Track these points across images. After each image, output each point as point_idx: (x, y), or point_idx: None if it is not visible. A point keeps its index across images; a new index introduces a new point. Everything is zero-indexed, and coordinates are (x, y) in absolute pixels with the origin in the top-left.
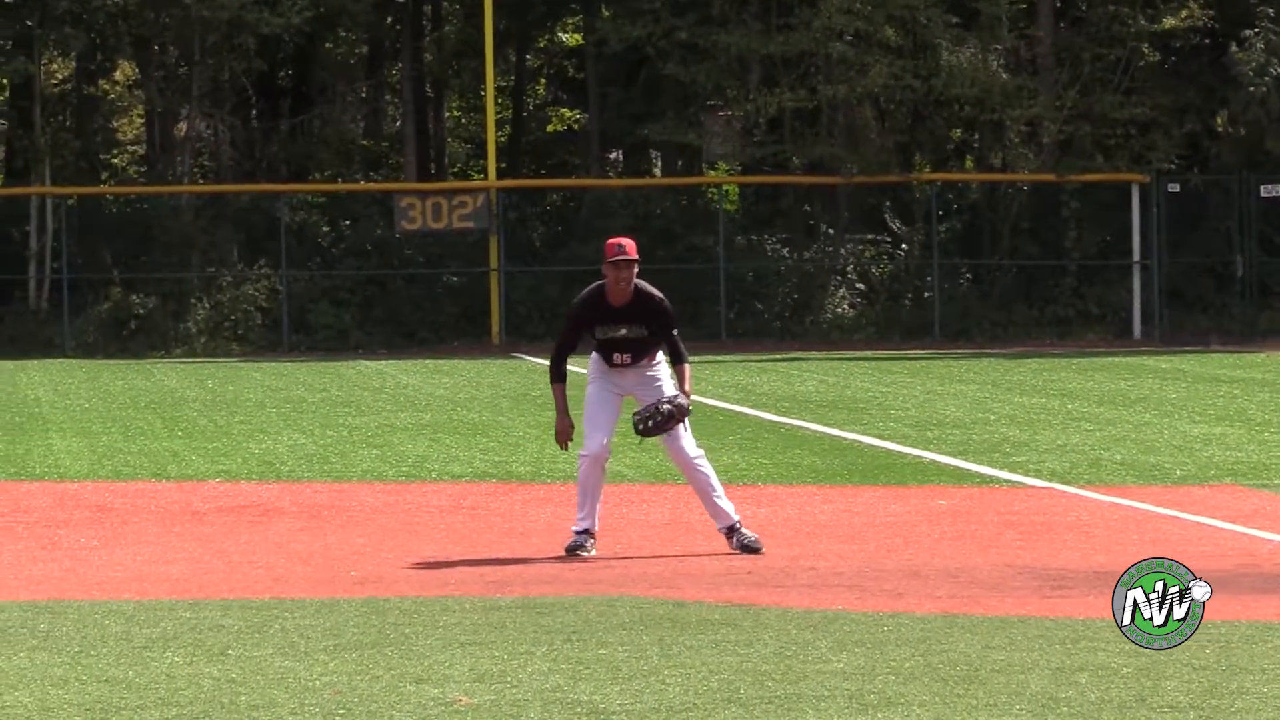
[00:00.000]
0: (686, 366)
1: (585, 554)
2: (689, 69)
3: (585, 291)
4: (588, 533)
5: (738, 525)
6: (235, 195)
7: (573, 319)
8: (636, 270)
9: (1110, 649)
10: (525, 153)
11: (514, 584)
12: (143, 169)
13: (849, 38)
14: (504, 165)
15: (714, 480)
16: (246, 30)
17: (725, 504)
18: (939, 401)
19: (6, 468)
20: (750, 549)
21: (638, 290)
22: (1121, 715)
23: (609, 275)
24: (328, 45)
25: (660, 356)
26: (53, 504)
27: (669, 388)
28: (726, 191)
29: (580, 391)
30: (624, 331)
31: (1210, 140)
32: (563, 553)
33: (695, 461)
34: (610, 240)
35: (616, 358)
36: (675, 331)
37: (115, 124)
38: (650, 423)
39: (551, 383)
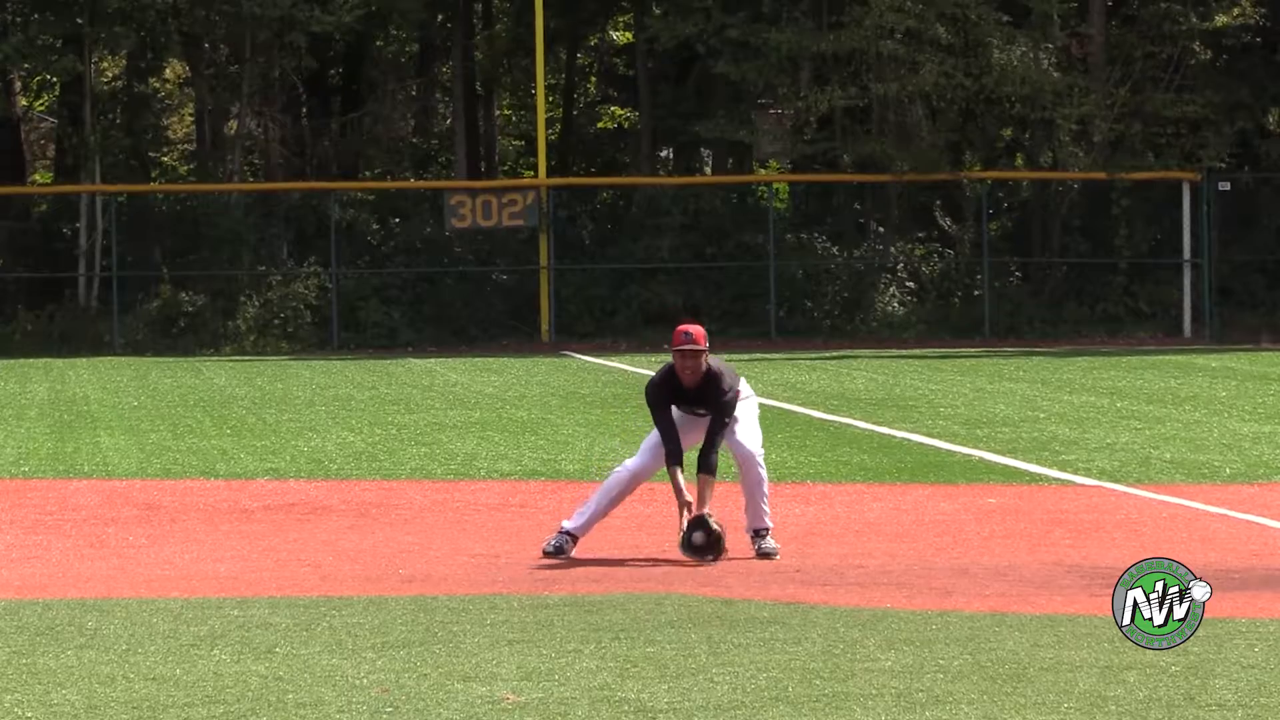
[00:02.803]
0: (712, 480)
1: (568, 552)
2: (740, 67)
3: (658, 375)
4: (573, 537)
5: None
6: (285, 193)
7: (655, 403)
8: (705, 356)
9: None
10: (575, 150)
11: (562, 582)
12: (192, 167)
13: (900, 36)
14: (554, 163)
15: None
16: (297, 28)
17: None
18: (988, 399)
19: (55, 465)
20: (768, 556)
21: (708, 372)
22: (1170, 713)
23: (677, 363)
24: (378, 43)
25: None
26: (101, 502)
27: (741, 419)
28: (777, 189)
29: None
30: (701, 411)
31: (1261, 138)
32: (609, 550)
33: (758, 458)
34: (679, 328)
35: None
36: (726, 421)
37: (165, 122)
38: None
39: (667, 465)
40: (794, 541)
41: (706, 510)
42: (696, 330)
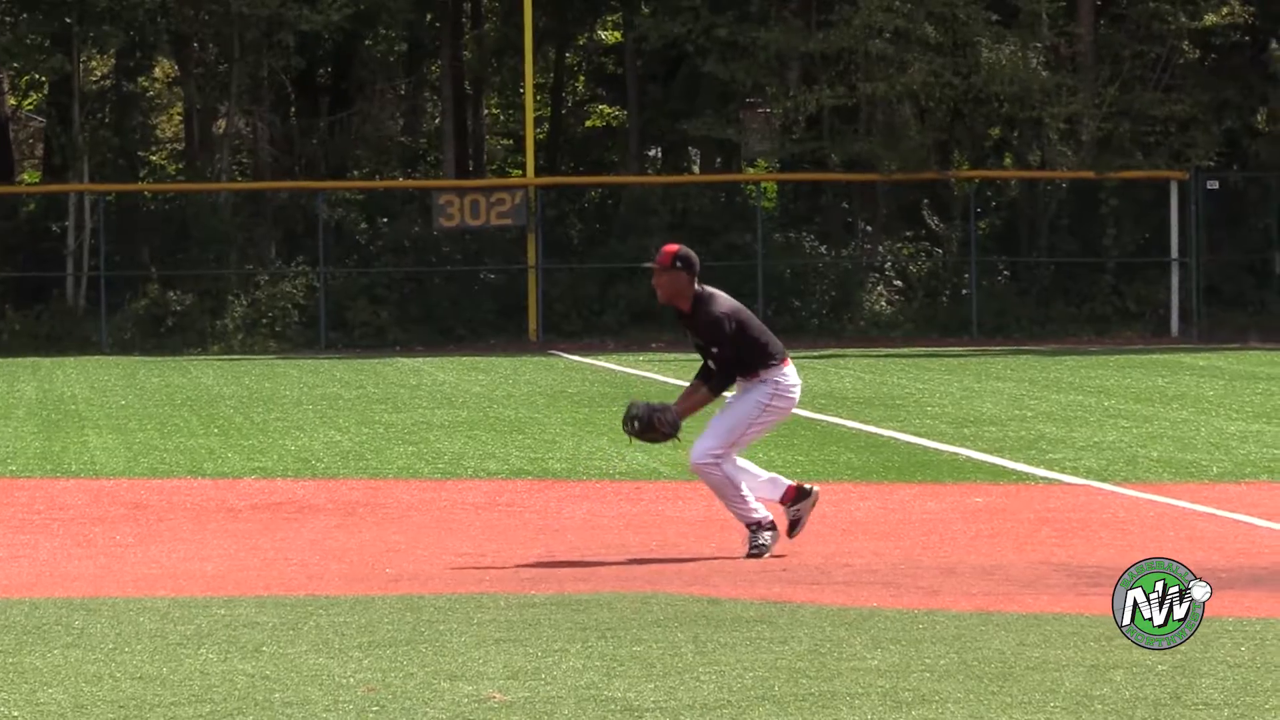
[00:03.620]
0: (709, 395)
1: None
2: (728, 66)
3: None
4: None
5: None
6: (273, 192)
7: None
8: (682, 278)
9: None
10: (564, 150)
11: (548, 581)
12: (181, 166)
13: (888, 35)
14: (542, 162)
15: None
16: (286, 27)
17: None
18: (976, 398)
19: (43, 465)
20: (756, 555)
21: (698, 299)
22: (1156, 712)
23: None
24: (367, 42)
25: (758, 373)
26: (88, 501)
27: (725, 411)
28: (765, 189)
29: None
30: (699, 343)
31: (1250, 137)
32: (596, 549)
33: (700, 465)
34: None
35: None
36: (728, 356)
37: (154, 121)
38: (636, 424)
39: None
40: (780, 540)
41: (671, 409)
42: (668, 248)
